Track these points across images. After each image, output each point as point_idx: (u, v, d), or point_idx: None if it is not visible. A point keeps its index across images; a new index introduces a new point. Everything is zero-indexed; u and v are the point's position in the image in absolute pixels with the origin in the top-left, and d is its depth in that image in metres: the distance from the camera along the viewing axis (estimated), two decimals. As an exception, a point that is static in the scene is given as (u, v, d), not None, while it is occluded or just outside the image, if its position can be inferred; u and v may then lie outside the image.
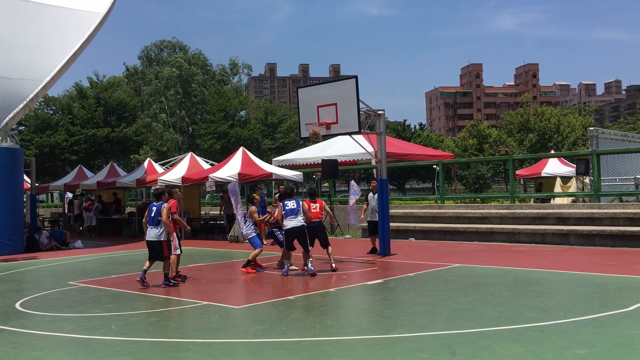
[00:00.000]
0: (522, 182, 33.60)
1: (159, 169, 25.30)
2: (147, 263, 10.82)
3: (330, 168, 16.33)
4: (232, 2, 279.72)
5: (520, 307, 8.05)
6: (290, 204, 12.06)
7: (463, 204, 20.58)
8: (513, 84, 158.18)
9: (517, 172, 28.50)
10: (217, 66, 69.05)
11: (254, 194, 13.25)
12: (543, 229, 16.12)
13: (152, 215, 10.65)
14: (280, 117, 60.09)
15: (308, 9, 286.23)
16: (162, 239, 10.65)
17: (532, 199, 22.64)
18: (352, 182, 20.93)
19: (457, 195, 30.54)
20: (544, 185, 27.34)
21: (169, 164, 26.96)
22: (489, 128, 65.29)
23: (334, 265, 12.20)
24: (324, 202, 13.15)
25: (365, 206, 15.28)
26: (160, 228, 10.64)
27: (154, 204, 10.87)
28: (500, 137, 61.22)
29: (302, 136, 14.75)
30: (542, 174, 27.54)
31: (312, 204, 12.45)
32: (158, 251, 10.66)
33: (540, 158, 30.61)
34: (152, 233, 10.67)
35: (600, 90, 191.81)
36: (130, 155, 53.33)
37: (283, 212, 12.00)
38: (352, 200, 19.58)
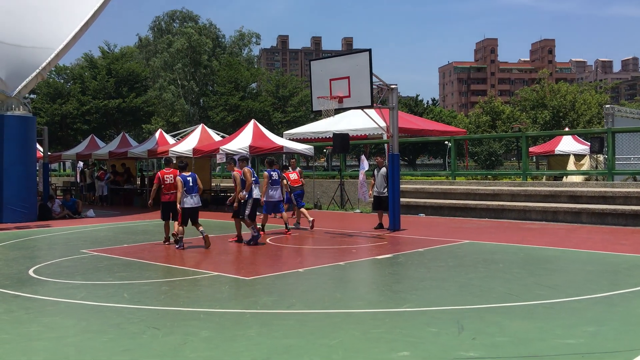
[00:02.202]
0: (534, 159, 33.37)
1: (170, 140, 25.34)
2: (181, 228, 11.77)
3: (341, 142, 16.24)
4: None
5: (530, 284, 8.04)
6: (275, 175, 13.77)
7: (474, 181, 20.49)
8: (528, 59, 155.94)
9: (530, 149, 28.26)
10: (230, 37, 68.61)
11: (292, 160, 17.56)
12: (555, 207, 16.03)
13: (191, 185, 11.82)
14: (292, 90, 59.76)
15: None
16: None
17: (544, 177, 22.49)
18: (362, 157, 20.91)
19: (468, 171, 30.41)
20: (557, 163, 27.15)
21: (180, 136, 26.99)
22: (502, 104, 64.58)
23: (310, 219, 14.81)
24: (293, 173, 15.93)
25: (372, 181, 15.29)
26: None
27: (186, 175, 11.87)
28: (514, 114, 60.59)
29: (313, 109, 14.67)
30: (556, 152, 27.33)
31: (290, 174, 15.31)
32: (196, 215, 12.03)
33: (554, 135, 30.31)
34: (195, 200, 11.91)
35: (617, 67, 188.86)
36: (141, 126, 53.42)
37: (269, 182, 13.55)
38: (362, 174, 19.58)
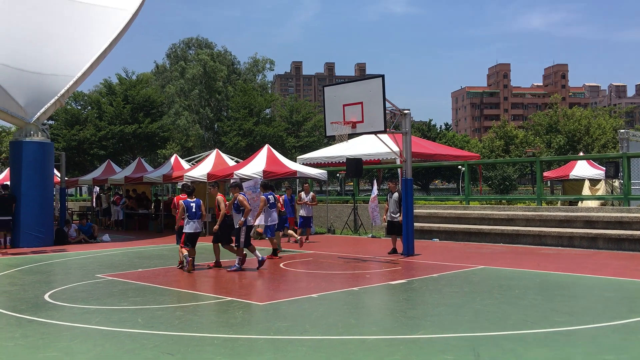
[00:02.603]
0: (549, 184, 33.14)
1: (185, 165, 25.55)
2: (187, 250, 12.25)
3: (355, 167, 16.29)
4: (257, 1, 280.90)
5: (547, 311, 7.95)
6: (271, 198, 14.17)
7: (488, 205, 20.36)
8: (541, 84, 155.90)
9: (545, 173, 28.10)
10: (244, 64, 69.48)
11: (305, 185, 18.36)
12: (570, 232, 15.87)
13: (194, 210, 12.39)
14: (305, 115, 60.17)
15: (334, 8, 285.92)
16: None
17: (559, 202, 22.31)
18: (374, 181, 20.93)
19: (482, 196, 30.25)
20: (572, 188, 26.94)
21: (195, 160, 27.21)
22: (516, 129, 64.45)
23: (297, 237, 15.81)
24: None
25: (386, 206, 15.30)
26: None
27: (190, 200, 12.49)
28: (527, 139, 60.40)
29: (327, 134, 14.77)
30: (570, 177, 27.14)
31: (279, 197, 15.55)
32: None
33: (569, 160, 30.13)
34: (195, 225, 12.41)
35: (631, 92, 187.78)
36: (157, 151, 53.94)
37: (268, 205, 14.01)
38: (373, 200, 19.61)
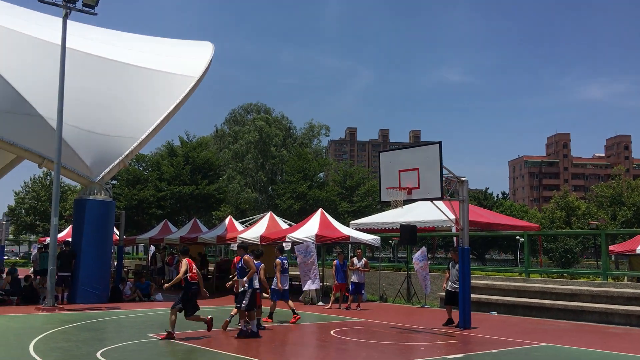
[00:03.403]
0: (613, 258, 31.57)
1: (239, 226, 25.81)
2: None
3: (409, 233, 16.03)
4: (314, 69, 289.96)
5: (619, 397, 7.32)
6: (285, 263, 14.21)
7: (549, 279, 19.46)
8: (603, 155, 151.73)
9: (610, 247, 26.82)
10: (300, 129, 71.01)
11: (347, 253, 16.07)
12: (640, 311, 14.87)
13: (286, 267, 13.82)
14: (359, 181, 60.37)
15: (389, 76, 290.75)
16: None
17: (626, 277, 21.12)
18: (423, 248, 20.43)
19: (543, 269, 29.04)
20: (638, 263, 25.53)
21: (249, 222, 27.47)
22: (578, 200, 62.44)
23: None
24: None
25: (447, 274, 14.85)
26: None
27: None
28: (590, 210, 58.31)
29: (382, 200, 14.66)
30: (637, 251, 25.78)
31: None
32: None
33: (636, 234, 28.70)
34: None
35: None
36: (211, 212, 54.95)
37: (281, 269, 14.07)
38: (418, 264, 19.41)
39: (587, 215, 56.74)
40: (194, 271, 11.64)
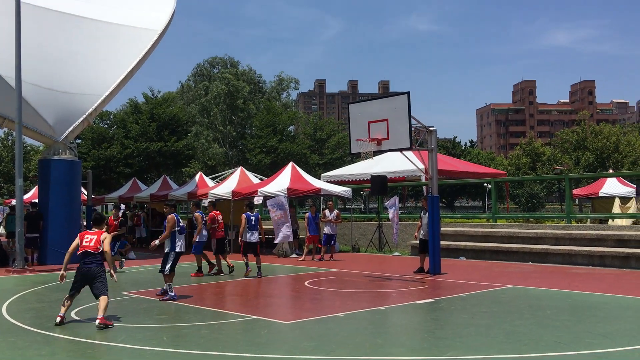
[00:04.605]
0: (577, 202, 32.50)
1: (209, 182, 25.68)
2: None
3: (380, 184, 16.18)
4: (281, 20, 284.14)
5: (580, 332, 7.70)
6: (253, 219, 14.33)
7: (516, 223, 20.02)
8: (568, 101, 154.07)
9: (573, 191, 27.56)
10: (269, 83, 70.04)
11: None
12: (602, 251, 15.48)
13: (253, 223, 14.17)
14: (329, 133, 60.28)
15: (357, 26, 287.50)
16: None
17: (589, 220, 21.84)
18: (395, 198, 20.77)
19: (509, 214, 29.78)
20: (601, 206, 26.36)
21: (220, 178, 27.34)
22: (543, 146, 63.65)
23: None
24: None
25: (419, 224, 15.12)
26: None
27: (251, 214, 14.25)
28: (555, 156, 59.58)
29: (352, 152, 14.72)
30: (600, 194, 26.57)
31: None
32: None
33: (598, 177, 29.53)
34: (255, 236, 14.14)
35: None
36: (181, 169, 54.44)
37: (247, 225, 14.10)
38: (391, 213, 19.74)
39: (552, 161, 58.02)
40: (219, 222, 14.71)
